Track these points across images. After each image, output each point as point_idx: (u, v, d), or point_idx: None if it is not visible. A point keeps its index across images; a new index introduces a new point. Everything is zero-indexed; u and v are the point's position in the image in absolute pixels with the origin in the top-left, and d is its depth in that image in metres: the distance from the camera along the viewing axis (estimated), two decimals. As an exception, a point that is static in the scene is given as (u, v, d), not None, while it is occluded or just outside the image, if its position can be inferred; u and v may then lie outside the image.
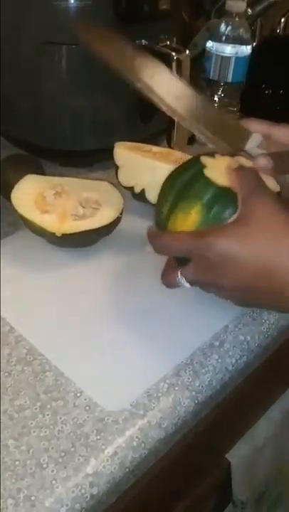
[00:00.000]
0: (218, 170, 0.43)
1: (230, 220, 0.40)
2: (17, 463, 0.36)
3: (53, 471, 0.36)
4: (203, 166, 0.43)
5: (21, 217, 0.53)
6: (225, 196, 0.41)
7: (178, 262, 0.44)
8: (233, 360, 0.46)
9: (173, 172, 0.45)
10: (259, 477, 0.73)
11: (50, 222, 0.52)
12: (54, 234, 0.51)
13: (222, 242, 0.38)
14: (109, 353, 0.44)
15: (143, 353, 0.45)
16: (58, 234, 0.51)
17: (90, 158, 0.72)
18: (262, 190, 0.41)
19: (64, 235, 0.51)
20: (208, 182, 0.42)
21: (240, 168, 0.42)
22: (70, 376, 0.42)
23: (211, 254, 0.38)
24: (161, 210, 0.44)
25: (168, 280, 0.43)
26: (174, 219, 0.42)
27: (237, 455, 0.66)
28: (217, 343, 0.46)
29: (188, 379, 0.43)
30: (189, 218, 0.41)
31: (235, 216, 0.40)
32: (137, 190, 0.60)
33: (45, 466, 0.36)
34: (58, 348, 0.45)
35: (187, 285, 0.42)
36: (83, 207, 0.54)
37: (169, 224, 0.43)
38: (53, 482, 0.35)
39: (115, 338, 0.46)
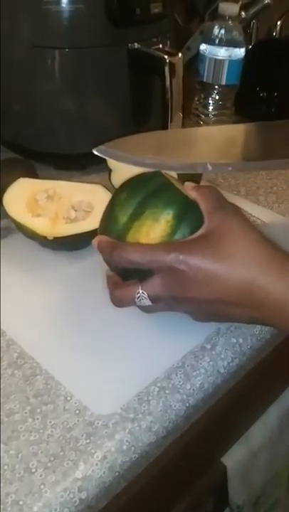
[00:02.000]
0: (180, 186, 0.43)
1: (197, 234, 0.40)
2: (5, 467, 0.36)
3: (41, 475, 0.35)
4: (167, 180, 0.42)
5: (13, 220, 0.53)
6: (193, 210, 0.40)
7: (126, 276, 0.42)
8: (225, 363, 0.45)
9: (131, 181, 0.43)
10: (255, 481, 0.72)
11: (42, 226, 0.52)
12: (46, 237, 0.51)
13: (198, 257, 0.38)
14: (100, 356, 0.44)
15: (134, 356, 0.44)
16: (50, 237, 0.51)
17: (84, 161, 0.72)
18: (226, 205, 0.41)
19: (56, 239, 0.51)
20: (179, 193, 0.41)
21: (200, 186, 0.42)
22: (61, 380, 0.42)
23: (186, 268, 0.38)
24: (118, 219, 0.41)
25: (120, 296, 0.41)
26: (139, 227, 0.40)
27: (232, 459, 0.65)
28: (209, 346, 0.46)
29: (180, 382, 0.43)
30: (157, 227, 0.39)
31: (202, 231, 0.39)
32: (130, 193, 0.59)
33: (33, 470, 0.36)
34: (48, 352, 0.45)
35: (148, 302, 0.40)
36: (75, 210, 0.54)
37: (129, 233, 0.40)
38: (42, 487, 0.35)
39: (106, 341, 0.46)
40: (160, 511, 0.59)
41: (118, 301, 0.42)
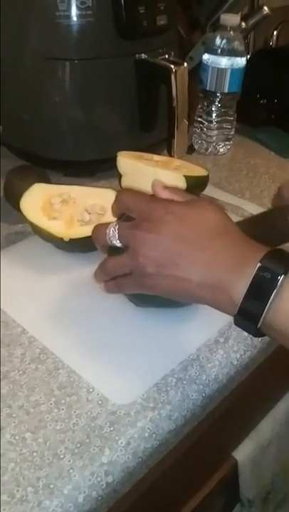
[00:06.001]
0: None
1: None
2: (35, 454, 0.38)
3: (69, 460, 0.37)
4: None
5: (30, 223, 0.56)
6: None
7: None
8: (238, 355, 0.47)
9: None
10: (266, 476, 0.74)
11: (58, 228, 0.54)
12: (62, 239, 0.54)
13: (178, 205, 0.43)
14: (119, 350, 0.46)
15: (151, 349, 0.46)
16: (66, 239, 0.53)
17: (93, 167, 0.74)
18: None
19: (71, 240, 0.54)
20: None
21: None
22: (82, 373, 0.44)
23: (163, 210, 0.42)
24: None
25: (94, 233, 0.47)
26: None
27: (243, 453, 0.67)
28: (222, 339, 0.48)
29: (196, 373, 0.45)
30: None
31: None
32: (140, 196, 0.62)
33: (62, 456, 0.38)
34: (69, 348, 0.47)
35: (115, 241, 0.44)
36: (89, 213, 0.57)
37: None
38: (70, 471, 0.37)
39: (124, 336, 0.48)
40: (176, 501, 0.60)
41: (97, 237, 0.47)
